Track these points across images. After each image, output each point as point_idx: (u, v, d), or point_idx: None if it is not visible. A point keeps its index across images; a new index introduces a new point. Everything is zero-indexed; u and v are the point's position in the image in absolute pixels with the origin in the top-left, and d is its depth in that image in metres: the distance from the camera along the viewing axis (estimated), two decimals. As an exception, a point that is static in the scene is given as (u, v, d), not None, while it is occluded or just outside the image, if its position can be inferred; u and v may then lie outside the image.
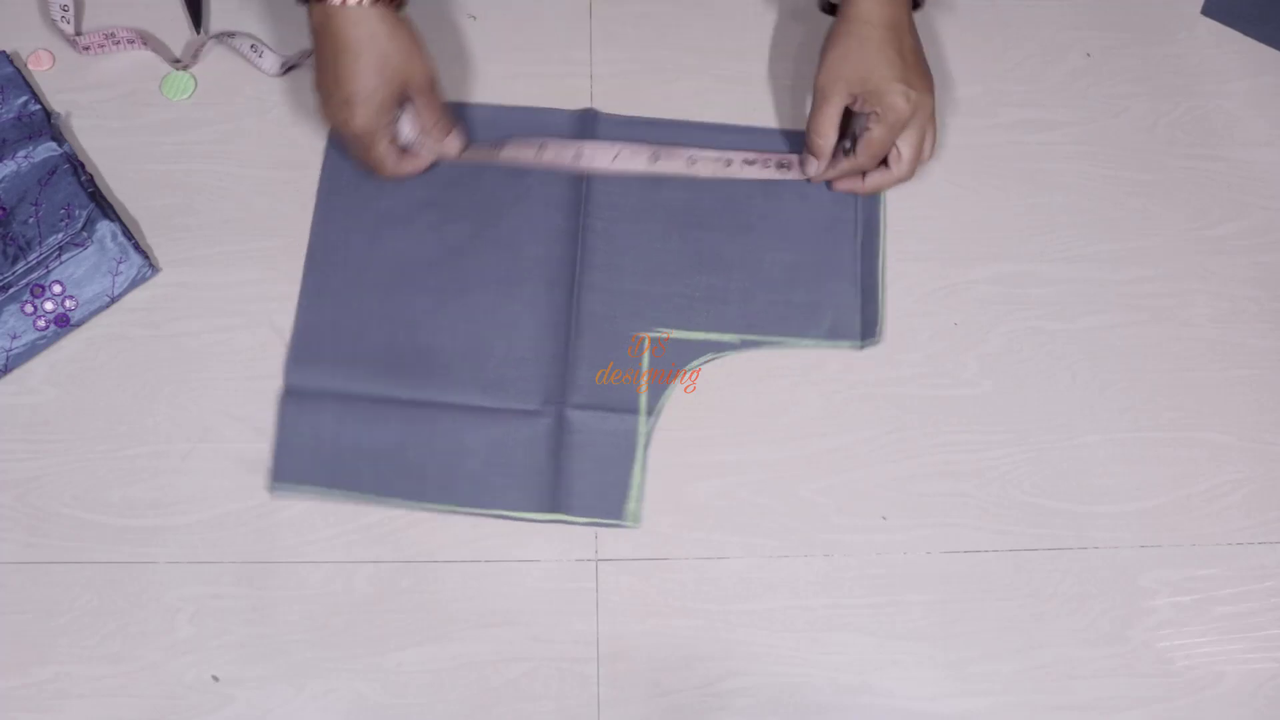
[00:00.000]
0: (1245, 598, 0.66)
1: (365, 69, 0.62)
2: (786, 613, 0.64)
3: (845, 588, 0.65)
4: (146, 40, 0.72)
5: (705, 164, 0.71)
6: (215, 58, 0.73)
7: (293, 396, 0.66)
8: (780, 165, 0.71)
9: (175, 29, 0.73)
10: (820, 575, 0.65)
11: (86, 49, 0.72)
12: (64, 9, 0.71)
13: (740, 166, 0.71)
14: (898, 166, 0.68)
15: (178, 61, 0.71)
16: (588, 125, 0.72)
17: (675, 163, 0.71)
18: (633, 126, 0.72)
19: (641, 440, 0.66)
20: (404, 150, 0.68)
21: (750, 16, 0.76)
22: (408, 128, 0.67)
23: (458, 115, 0.70)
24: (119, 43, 0.72)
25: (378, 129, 0.64)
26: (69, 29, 0.71)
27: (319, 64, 0.63)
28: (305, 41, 0.73)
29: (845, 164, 0.68)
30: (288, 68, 0.72)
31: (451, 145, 0.69)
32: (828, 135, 0.67)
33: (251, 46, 0.71)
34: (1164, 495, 0.67)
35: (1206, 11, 0.78)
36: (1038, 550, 0.66)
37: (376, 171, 0.67)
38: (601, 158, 0.70)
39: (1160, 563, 0.66)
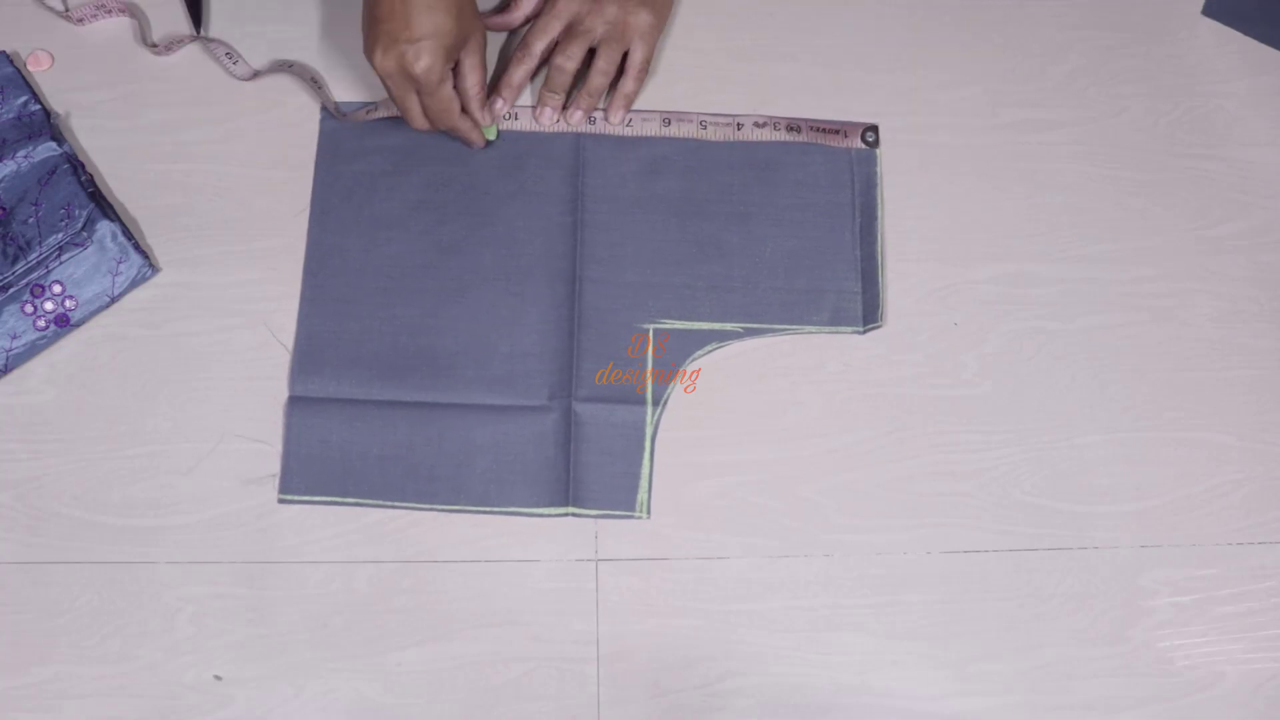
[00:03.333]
0: (1245, 598, 0.66)
1: (441, 9, 0.61)
2: (786, 613, 0.64)
3: (845, 588, 0.65)
4: (134, 14, 0.72)
5: (716, 128, 0.72)
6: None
7: (298, 405, 0.66)
8: (790, 128, 0.72)
9: (168, 15, 0.73)
10: (820, 575, 0.65)
11: (80, 21, 0.72)
12: None
13: (751, 129, 0.72)
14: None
15: (155, 45, 0.71)
16: (584, 148, 0.72)
17: (687, 125, 0.72)
18: (624, 145, 0.72)
19: (649, 431, 0.66)
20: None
21: (751, 16, 0.76)
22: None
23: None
24: (110, 12, 0.72)
25: (444, 73, 0.63)
26: (58, 4, 0.71)
27: (381, 1, 0.61)
28: (299, 43, 0.73)
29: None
30: (256, 75, 0.72)
31: (495, 110, 0.70)
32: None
33: (226, 54, 0.71)
34: (1164, 495, 0.67)
35: (1206, 11, 0.78)
36: (1038, 550, 0.66)
37: (438, 118, 0.66)
38: (615, 125, 0.72)
39: (1160, 563, 0.66)
